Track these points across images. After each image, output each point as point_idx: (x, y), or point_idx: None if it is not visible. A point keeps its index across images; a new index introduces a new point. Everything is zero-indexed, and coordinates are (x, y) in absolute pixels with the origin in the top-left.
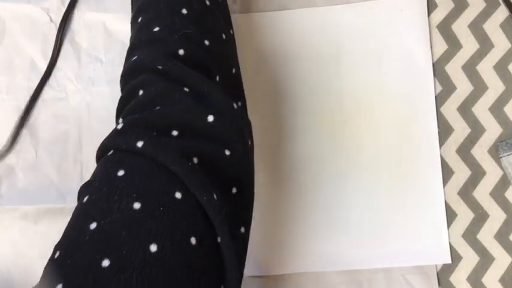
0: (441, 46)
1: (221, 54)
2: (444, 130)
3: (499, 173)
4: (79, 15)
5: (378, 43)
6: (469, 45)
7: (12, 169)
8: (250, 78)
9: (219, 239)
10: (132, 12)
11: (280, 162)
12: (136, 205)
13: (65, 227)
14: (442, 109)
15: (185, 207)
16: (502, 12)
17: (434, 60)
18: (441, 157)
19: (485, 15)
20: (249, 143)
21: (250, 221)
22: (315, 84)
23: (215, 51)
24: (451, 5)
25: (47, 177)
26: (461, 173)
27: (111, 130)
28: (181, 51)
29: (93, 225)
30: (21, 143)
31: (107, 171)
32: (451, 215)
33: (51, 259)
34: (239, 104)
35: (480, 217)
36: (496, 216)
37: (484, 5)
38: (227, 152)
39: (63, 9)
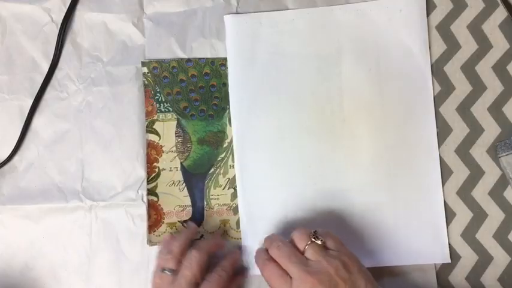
0: (440, 46)
1: None
2: (443, 130)
3: (498, 172)
4: (80, 15)
5: (377, 43)
6: (468, 46)
7: (14, 168)
8: (250, 77)
9: None
10: None
11: (279, 162)
12: None
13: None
14: (441, 109)
15: None
16: (500, 13)
17: (433, 60)
18: (440, 157)
19: (484, 15)
20: None
21: None
22: (315, 84)
23: None
24: (450, 6)
25: (48, 177)
26: (460, 172)
27: (111, 130)
28: None
29: None
30: (23, 143)
31: None
32: (450, 215)
33: None
34: None
35: (479, 216)
36: (495, 216)
37: (483, 5)
38: None
39: (65, 10)
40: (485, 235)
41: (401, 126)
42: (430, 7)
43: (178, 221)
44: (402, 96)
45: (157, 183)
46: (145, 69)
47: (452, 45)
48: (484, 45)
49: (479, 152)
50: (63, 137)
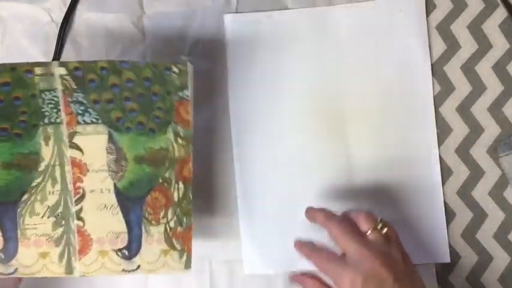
0: (440, 46)
1: None
2: (443, 130)
3: (498, 172)
4: (80, 15)
5: (376, 43)
6: (468, 46)
7: None
8: (250, 77)
9: None
10: None
11: (279, 162)
12: None
13: None
14: (441, 109)
15: None
16: (500, 13)
17: (433, 60)
18: (440, 157)
19: (484, 15)
20: None
21: None
22: (315, 85)
23: None
24: (450, 6)
25: None
26: (460, 172)
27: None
28: None
29: None
30: None
31: None
32: (450, 215)
33: None
34: None
35: (479, 217)
36: (495, 216)
37: (482, 5)
38: None
39: (65, 10)
40: (485, 235)
41: (401, 126)
42: (430, 7)
43: (113, 250)
44: (402, 97)
45: (82, 207)
46: (62, 71)
47: (452, 45)
48: (484, 45)
49: (479, 152)
50: None
